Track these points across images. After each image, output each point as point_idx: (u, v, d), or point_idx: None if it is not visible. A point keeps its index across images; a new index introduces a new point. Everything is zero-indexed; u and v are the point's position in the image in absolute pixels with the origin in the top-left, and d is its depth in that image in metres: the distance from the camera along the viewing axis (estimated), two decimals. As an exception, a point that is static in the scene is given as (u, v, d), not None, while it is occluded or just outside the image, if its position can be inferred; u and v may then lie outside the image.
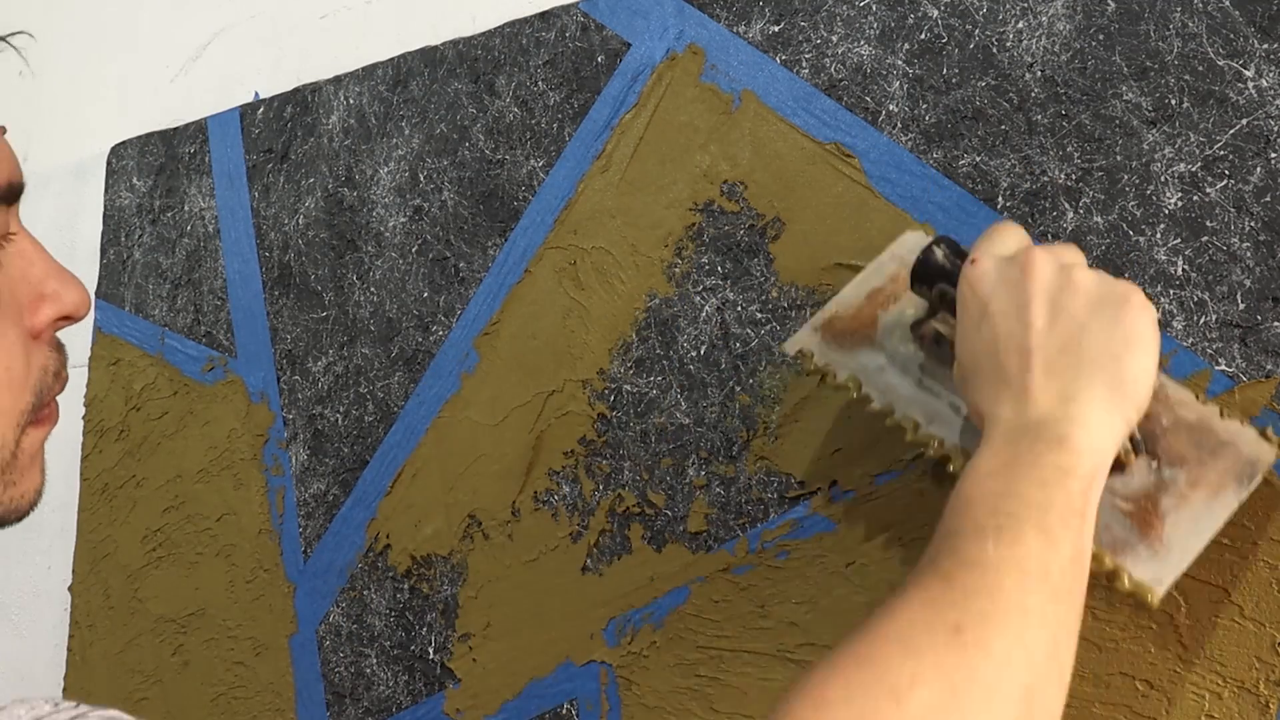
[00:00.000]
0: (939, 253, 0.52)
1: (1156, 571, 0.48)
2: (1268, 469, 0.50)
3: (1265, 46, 0.54)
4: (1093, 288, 0.46)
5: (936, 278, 0.52)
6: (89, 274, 1.08)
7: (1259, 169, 0.54)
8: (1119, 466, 0.50)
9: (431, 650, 0.79)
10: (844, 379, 0.58)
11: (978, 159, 0.61)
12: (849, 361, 0.58)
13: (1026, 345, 0.46)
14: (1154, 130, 0.57)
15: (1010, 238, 0.49)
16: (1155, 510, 0.50)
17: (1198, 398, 0.51)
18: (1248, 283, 0.54)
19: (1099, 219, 0.58)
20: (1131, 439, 0.49)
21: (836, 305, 0.60)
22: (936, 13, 0.63)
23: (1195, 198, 0.55)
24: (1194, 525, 0.49)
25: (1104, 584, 0.49)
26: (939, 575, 0.40)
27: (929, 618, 0.38)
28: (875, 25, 0.65)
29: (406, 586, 0.80)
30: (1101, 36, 0.58)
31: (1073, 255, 0.48)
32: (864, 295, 0.59)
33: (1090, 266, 0.48)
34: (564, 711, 0.72)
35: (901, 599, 0.40)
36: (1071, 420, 0.44)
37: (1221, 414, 0.51)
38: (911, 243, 0.59)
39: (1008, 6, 0.61)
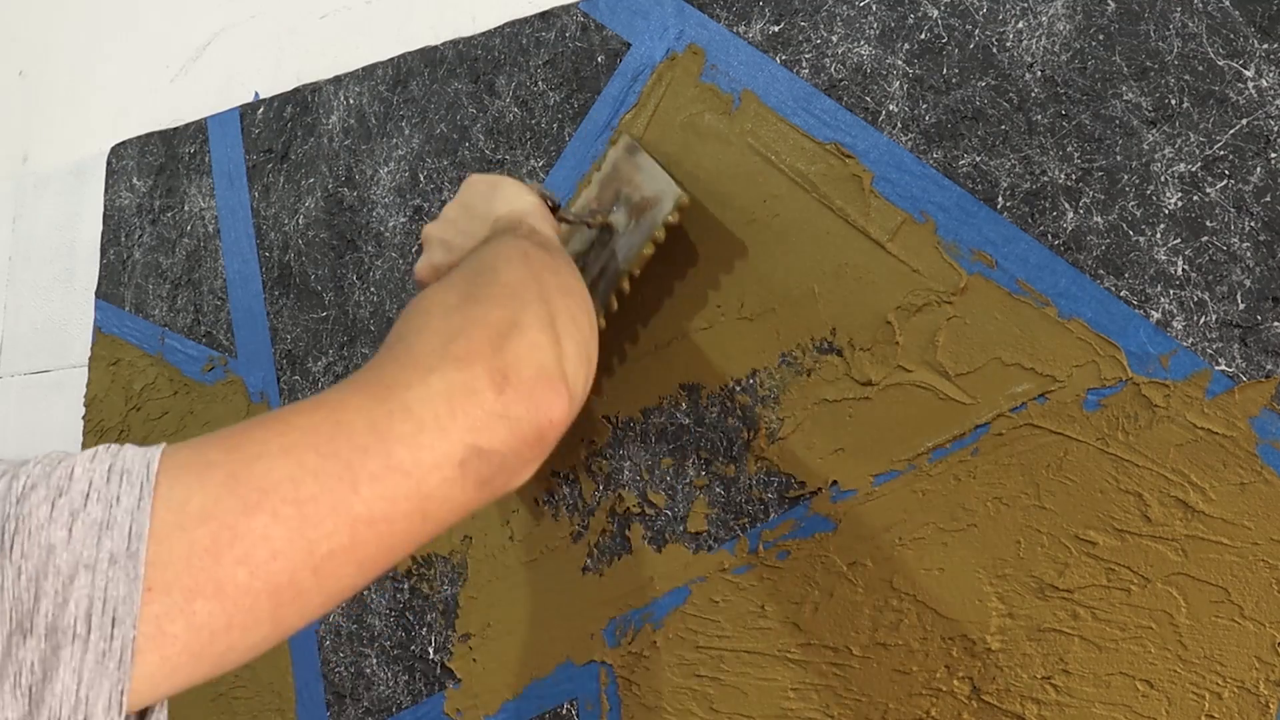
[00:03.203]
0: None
1: (667, 200, 0.68)
2: (631, 143, 0.70)
3: (1265, 46, 0.54)
4: (448, 207, 0.65)
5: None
6: (89, 274, 1.08)
7: (1259, 169, 0.54)
8: (606, 229, 0.70)
9: (431, 650, 0.79)
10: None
11: (978, 159, 0.61)
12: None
13: (462, 247, 0.62)
14: (1154, 130, 0.57)
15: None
16: (637, 201, 0.69)
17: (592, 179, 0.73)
18: (1248, 283, 0.54)
19: (1099, 219, 0.58)
20: (598, 211, 0.70)
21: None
22: (936, 13, 0.63)
23: (1195, 198, 0.55)
24: (646, 174, 0.69)
25: (672, 236, 0.68)
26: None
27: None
28: (875, 25, 0.65)
29: (406, 586, 0.80)
30: (1101, 36, 0.58)
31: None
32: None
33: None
34: (564, 711, 0.72)
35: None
36: (497, 221, 0.61)
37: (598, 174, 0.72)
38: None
39: (1008, 6, 0.61)
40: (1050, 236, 0.59)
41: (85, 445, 1.04)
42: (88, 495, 0.35)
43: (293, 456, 0.38)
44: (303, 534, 0.37)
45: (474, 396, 0.43)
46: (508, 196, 0.63)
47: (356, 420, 0.40)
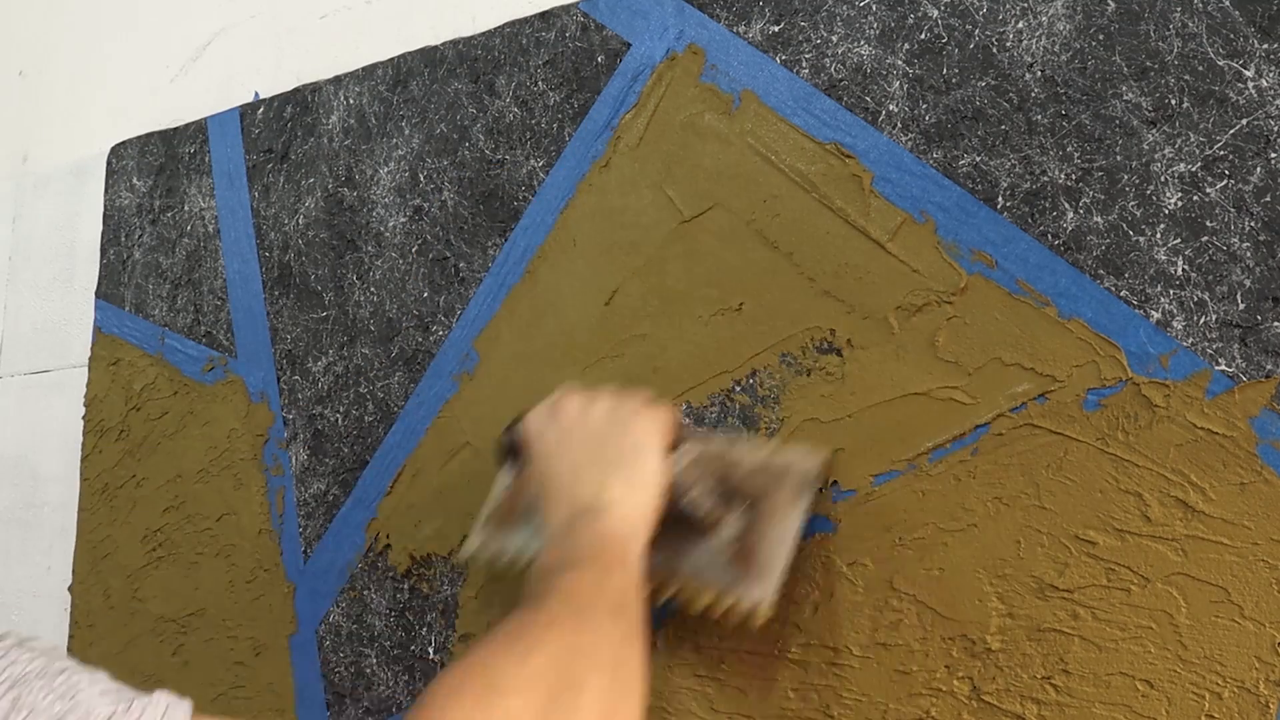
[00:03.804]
0: (504, 438, 0.66)
1: (760, 592, 0.60)
2: (821, 473, 0.62)
3: (1265, 46, 0.54)
4: (608, 409, 0.61)
5: (509, 451, 0.66)
6: (89, 274, 1.08)
7: (1259, 169, 0.54)
8: (708, 528, 0.62)
9: (432, 650, 0.79)
10: (512, 554, 0.69)
11: (978, 159, 0.61)
12: (514, 540, 0.70)
13: (570, 461, 0.59)
14: (1154, 130, 0.57)
15: (560, 395, 0.63)
16: (749, 546, 0.61)
17: (764, 441, 0.65)
18: (1248, 283, 0.54)
19: (1099, 219, 0.58)
20: (713, 501, 0.62)
21: (488, 507, 0.72)
22: (936, 13, 0.63)
23: (1195, 198, 0.55)
24: (776, 546, 0.61)
25: (730, 620, 0.61)
26: (534, 601, 0.51)
27: (531, 622, 0.49)
28: (875, 25, 0.65)
29: (406, 586, 0.80)
30: (1101, 36, 0.58)
31: (604, 394, 0.62)
32: (502, 492, 0.72)
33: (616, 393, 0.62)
34: (564, 711, 0.72)
35: (505, 621, 0.49)
36: (603, 504, 0.57)
37: (777, 450, 0.63)
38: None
39: (1008, 6, 0.61)
40: (1050, 236, 0.59)
41: (85, 445, 1.04)
42: None
43: None
44: None
45: None
46: (637, 477, 0.58)
47: None
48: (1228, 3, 0.55)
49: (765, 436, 0.66)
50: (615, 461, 0.59)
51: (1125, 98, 0.58)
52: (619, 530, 0.56)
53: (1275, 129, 0.54)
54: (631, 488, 0.58)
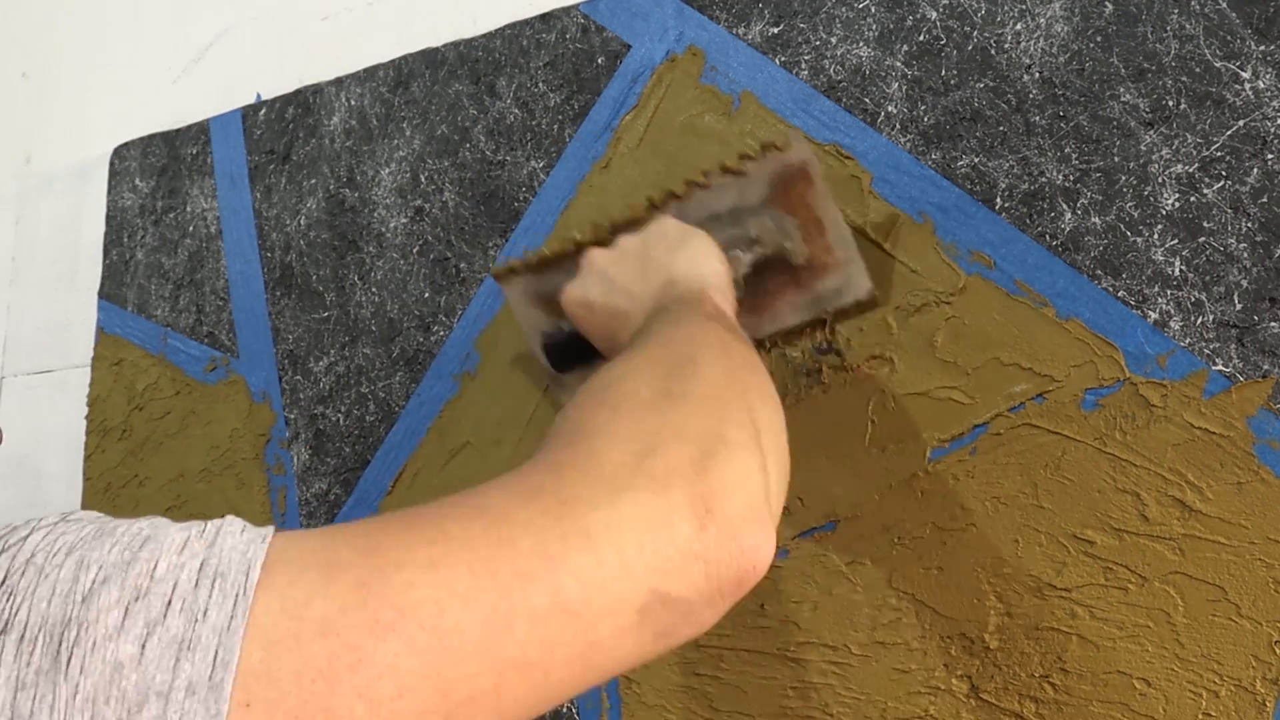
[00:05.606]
0: (543, 340, 0.67)
1: (860, 279, 0.61)
2: (812, 156, 0.61)
3: (1262, 48, 0.54)
4: (635, 236, 0.59)
5: (559, 354, 0.66)
6: (91, 275, 1.08)
7: (1256, 170, 0.54)
8: (791, 269, 0.62)
9: (433, 649, 0.79)
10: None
11: (976, 160, 0.62)
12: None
13: (622, 287, 0.57)
14: (1151, 131, 0.57)
15: (583, 261, 0.61)
16: (815, 253, 0.62)
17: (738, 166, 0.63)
18: (1244, 283, 0.54)
19: (1097, 220, 0.58)
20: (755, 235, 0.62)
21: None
22: (935, 14, 0.64)
23: (1192, 199, 0.56)
24: (835, 230, 0.61)
25: (850, 323, 0.63)
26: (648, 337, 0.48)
27: (622, 360, 0.47)
28: (874, 27, 0.65)
29: (408, 586, 0.81)
30: (1099, 38, 0.59)
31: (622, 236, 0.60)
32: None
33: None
34: (564, 711, 0.72)
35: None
36: (675, 279, 0.54)
37: (757, 162, 0.62)
38: None
39: (1006, 8, 0.61)
40: (1048, 237, 0.59)
41: (88, 445, 1.04)
42: (169, 602, 0.29)
43: (441, 573, 0.32)
44: (439, 671, 0.30)
45: (669, 530, 0.36)
46: (694, 254, 0.56)
47: (523, 538, 0.33)
48: (1225, 4, 0.55)
49: (733, 162, 0.64)
50: (667, 255, 0.56)
51: (1123, 99, 0.58)
52: (699, 288, 0.53)
53: (1272, 130, 0.54)
54: (696, 260, 0.56)
